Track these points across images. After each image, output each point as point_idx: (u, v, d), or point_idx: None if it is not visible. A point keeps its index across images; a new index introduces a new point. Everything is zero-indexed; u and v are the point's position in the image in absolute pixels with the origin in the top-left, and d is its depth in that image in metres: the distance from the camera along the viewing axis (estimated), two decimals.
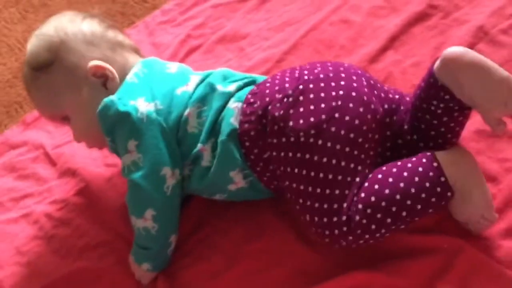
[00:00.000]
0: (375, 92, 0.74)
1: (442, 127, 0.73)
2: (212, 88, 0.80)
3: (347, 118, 0.70)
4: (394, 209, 0.67)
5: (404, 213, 0.67)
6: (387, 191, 0.68)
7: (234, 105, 0.78)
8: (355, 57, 0.97)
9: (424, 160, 0.69)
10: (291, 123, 0.71)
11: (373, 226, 0.68)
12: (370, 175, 0.70)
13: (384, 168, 0.70)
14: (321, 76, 0.73)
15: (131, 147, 0.77)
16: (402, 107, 0.76)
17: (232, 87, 0.80)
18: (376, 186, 0.68)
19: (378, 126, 0.72)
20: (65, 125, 0.89)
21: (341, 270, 0.73)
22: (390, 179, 0.68)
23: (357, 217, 0.68)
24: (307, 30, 1.04)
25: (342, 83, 0.72)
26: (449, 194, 0.68)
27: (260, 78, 0.84)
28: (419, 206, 0.67)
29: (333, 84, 0.72)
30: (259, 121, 0.75)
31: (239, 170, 0.77)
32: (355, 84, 0.72)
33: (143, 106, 0.77)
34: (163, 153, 0.76)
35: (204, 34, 1.13)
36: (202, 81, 0.83)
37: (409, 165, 0.69)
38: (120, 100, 0.78)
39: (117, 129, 0.78)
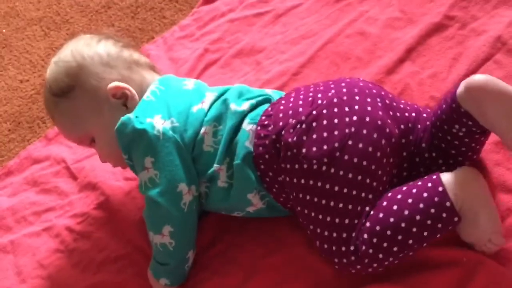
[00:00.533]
0: (391, 113, 0.74)
1: (463, 147, 0.73)
2: (226, 107, 0.81)
3: (360, 145, 0.69)
4: (400, 237, 0.67)
5: (410, 241, 0.67)
6: (392, 219, 0.67)
7: (248, 127, 0.78)
8: (372, 69, 0.97)
9: (429, 185, 0.68)
10: (304, 150, 0.71)
11: (380, 255, 0.68)
12: (378, 202, 0.70)
13: (390, 194, 0.70)
14: (335, 100, 0.72)
15: (147, 164, 0.78)
16: (419, 126, 0.76)
17: (245, 106, 0.80)
18: (381, 215, 0.68)
19: (393, 150, 0.72)
20: (92, 147, 0.90)
21: (357, 285, 0.73)
22: (395, 207, 0.68)
23: (364, 247, 0.68)
24: (324, 42, 1.05)
25: (356, 107, 0.72)
26: (455, 219, 0.67)
27: (275, 94, 0.85)
28: (425, 233, 0.67)
29: (346, 109, 0.71)
30: (273, 145, 0.75)
31: (256, 192, 0.78)
32: (369, 108, 0.72)
33: (159, 123, 0.79)
34: (179, 170, 0.77)
35: (221, 48, 1.14)
36: (217, 98, 0.83)
37: (414, 190, 0.68)
38: (137, 118, 0.79)
39: (134, 146, 0.79)
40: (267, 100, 0.83)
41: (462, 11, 0.99)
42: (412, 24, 1.01)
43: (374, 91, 0.75)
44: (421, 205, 0.67)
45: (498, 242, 0.69)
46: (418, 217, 0.66)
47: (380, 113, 0.72)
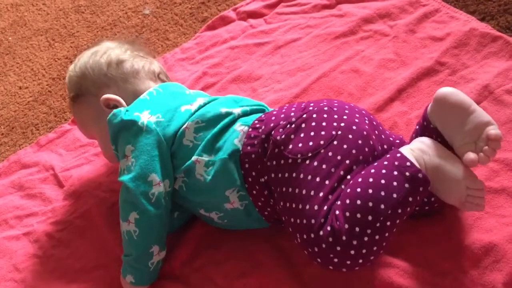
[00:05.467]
0: (376, 132, 0.77)
1: None
2: (215, 109, 0.84)
3: (345, 146, 0.73)
4: (371, 204, 0.68)
5: (382, 206, 0.67)
6: (358, 189, 0.69)
7: (240, 128, 0.81)
8: (363, 105, 0.99)
9: (388, 156, 0.72)
10: (290, 147, 0.74)
11: (357, 229, 0.67)
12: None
13: (351, 182, 0.71)
14: (325, 108, 0.77)
15: (127, 152, 0.82)
16: None
17: (237, 110, 0.84)
18: (349, 190, 0.70)
19: (374, 161, 0.74)
20: None
21: None
22: (360, 179, 0.70)
23: (338, 223, 0.68)
24: (318, 76, 1.07)
25: (345, 117, 0.75)
26: (419, 175, 0.69)
27: (271, 109, 0.89)
28: (394, 195, 0.68)
29: (335, 116, 0.75)
30: (261, 145, 0.78)
31: (235, 190, 0.79)
32: (357, 120, 0.75)
33: (145, 117, 0.84)
34: (154, 161, 0.81)
35: (219, 73, 1.17)
36: (208, 102, 0.88)
37: (372, 170, 0.71)
38: (127, 112, 0.84)
39: (119, 136, 0.84)
40: (261, 110, 0.87)
41: (453, 58, 1.02)
42: (404, 66, 1.04)
43: (364, 112, 0.79)
44: (384, 171, 0.70)
45: (477, 186, 0.70)
46: (383, 181, 0.69)
47: (367, 127, 0.75)
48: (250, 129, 0.80)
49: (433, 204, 0.78)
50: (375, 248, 0.68)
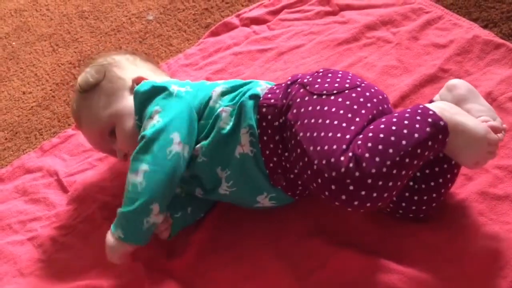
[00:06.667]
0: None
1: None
2: (241, 83, 0.90)
3: (367, 94, 0.78)
4: (393, 138, 0.70)
5: (404, 142, 0.70)
6: (382, 126, 0.72)
7: (264, 85, 0.87)
8: None
9: (408, 110, 0.75)
10: (316, 86, 0.80)
11: (377, 159, 0.69)
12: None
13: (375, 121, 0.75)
14: (350, 73, 0.85)
15: (154, 113, 0.84)
16: None
17: (264, 84, 0.88)
18: (372, 127, 0.73)
19: None
20: (112, 141, 0.95)
21: None
22: (383, 119, 0.74)
23: (360, 150, 0.70)
24: None
25: (366, 82, 0.83)
26: (441, 123, 0.72)
27: None
28: (416, 135, 0.71)
29: (358, 78, 0.83)
30: (285, 90, 0.83)
31: (248, 131, 0.82)
32: (376, 88, 0.82)
33: (175, 87, 0.88)
34: (181, 122, 0.83)
35: (223, 79, 1.16)
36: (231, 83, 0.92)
37: (396, 114, 0.75)
38: (156, 82, 0.90)
39: (147, 103, 0.87)
40: None
41: (456, 65, 1.03)
42: (407, 73, 1.05)
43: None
44: (407, 115, 0.73)
45: (496, 140, 0.74)
46: (406, 122, 0.72)
47: (385, 95, 0.82)
48: (275, 86, 0.86)
49: (437, 177, 0.79)
50: (390, 184, 0.69)
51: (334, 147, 0.71)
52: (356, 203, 0.70)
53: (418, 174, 0.79)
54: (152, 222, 0.81)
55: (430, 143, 0.71)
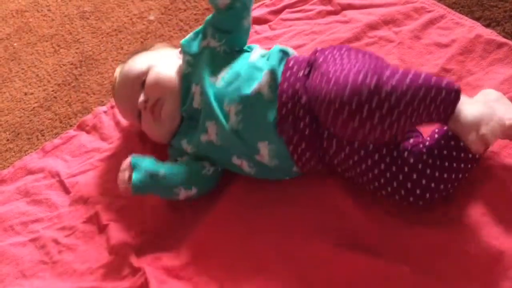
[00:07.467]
0: None
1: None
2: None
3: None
4: (412, 71, 0.75)
5: (423, 75, 0.75)
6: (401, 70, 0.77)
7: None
8: None
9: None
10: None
11: (396, 78, 0.73)
12: None
13: None
14: None
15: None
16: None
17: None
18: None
19: None
20: (139, 94, 0.96)
21: None
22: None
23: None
24: None
25: None
26: (455, 86, 0.75)
27: None
28: (433, 79, 0.75)
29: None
30: (310, 56, 0.89)
31: (271, 72, 0.87)
32: None
33: None
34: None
35: None
36: None
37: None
38: None
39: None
40: None
41: (459, 65, 1.02)
42: None
43: None
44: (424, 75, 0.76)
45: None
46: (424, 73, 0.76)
47: None
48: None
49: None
50: (395, 112, 0.72)
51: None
52: (370, 123, 0.72)
53: (435, 151, 0.80)
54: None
55: (444, 93, 0.74)
